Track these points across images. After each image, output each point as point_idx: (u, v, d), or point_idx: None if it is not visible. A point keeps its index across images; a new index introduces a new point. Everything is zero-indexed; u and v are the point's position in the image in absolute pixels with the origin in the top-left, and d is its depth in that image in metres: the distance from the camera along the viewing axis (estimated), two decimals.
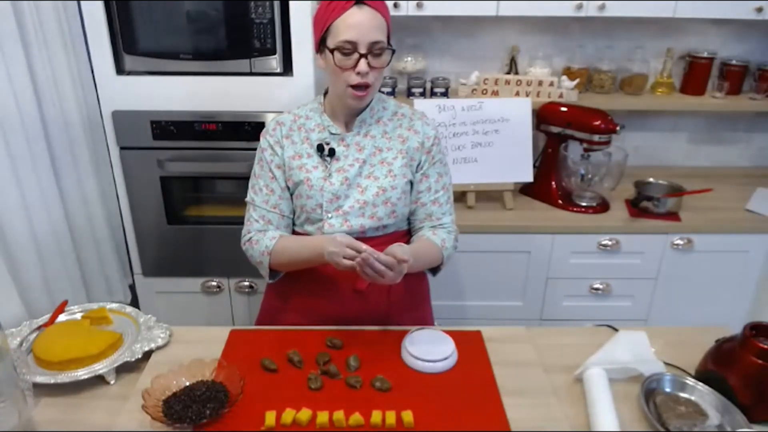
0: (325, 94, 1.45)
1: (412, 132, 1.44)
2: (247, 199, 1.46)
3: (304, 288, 1.47)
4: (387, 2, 2.02)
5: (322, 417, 1.12)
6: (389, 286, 1.44)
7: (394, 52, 1.33)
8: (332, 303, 1.44)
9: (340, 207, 1.38)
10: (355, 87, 1.31)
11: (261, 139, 1.45)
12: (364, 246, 1.20)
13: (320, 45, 1.33)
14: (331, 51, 1.29)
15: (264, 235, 1.41)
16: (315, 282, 1.44)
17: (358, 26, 1.26)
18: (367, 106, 1.42)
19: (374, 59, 1.29)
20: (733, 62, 2.39)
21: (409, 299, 1.50)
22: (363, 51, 1.27)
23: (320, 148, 1.40)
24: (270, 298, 1.56)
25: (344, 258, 1.22)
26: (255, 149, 1.47)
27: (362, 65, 1.28)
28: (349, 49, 1.27)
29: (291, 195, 1.44)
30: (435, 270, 1.49)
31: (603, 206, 2.23)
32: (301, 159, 1.41)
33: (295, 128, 1.44)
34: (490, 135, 2.19)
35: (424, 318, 1.58)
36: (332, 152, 1.40)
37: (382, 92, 2.29)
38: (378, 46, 1.28)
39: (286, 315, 1.50)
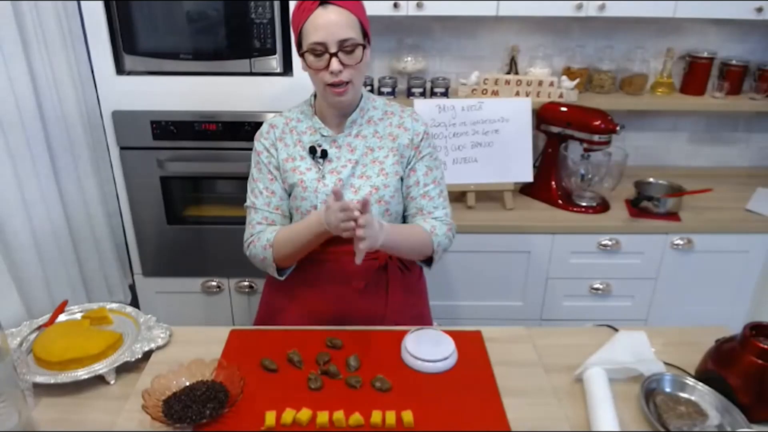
0: (315, 96, 1.45)
1: (402, 129, 1.44)
2: (247, 204, 1.46)
3: (302, 286, 1.47)
4: (387, 2, 2.06)
5: (322, 417, 1.12)
6: (386, 285, 1.45)
7: (365, 47, 1.32)
8: (330, 301, 1.45)
9: None
10: (332, 85, 1.31)
11: (255, 142, 1.45)
12: (354, 206, 1.19)
13: (299, 48, 1.34)
14: (305, 53, 1.30)
15: (264, 232, 1.41)
16: (313, 280, 1.45)
17: (325, 27, 1.26)
18: (357, 106, 1.42)
19: (346, 56, 1.29)
20: (733, 62, 2.38)
21: (407, 298, 1.50)
22: (333, 50, 1.27)
23: (312, 151, 1.41)
24: (268, 296, 1.56)
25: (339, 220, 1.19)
26: None
27: (334, 64, 1.28)
28: (319, 50, 1.28)
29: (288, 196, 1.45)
30: (429, 262, 1.47)
31: (603, 206, 2.23)
32: (294, 161, 1.41)
33: (287, 131, 1.44)
34: (490, 135, 2.19)
35: (422, 317, 1.58)
36: (324, 154, 1.40)
37: (382, 93, 2.31)
38: (348, 43, 1.28)
39: (284, 314, 1.50)
